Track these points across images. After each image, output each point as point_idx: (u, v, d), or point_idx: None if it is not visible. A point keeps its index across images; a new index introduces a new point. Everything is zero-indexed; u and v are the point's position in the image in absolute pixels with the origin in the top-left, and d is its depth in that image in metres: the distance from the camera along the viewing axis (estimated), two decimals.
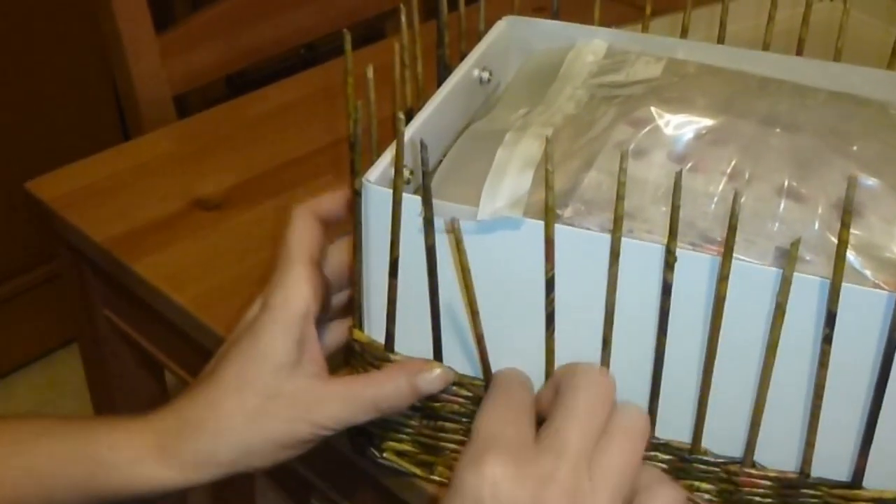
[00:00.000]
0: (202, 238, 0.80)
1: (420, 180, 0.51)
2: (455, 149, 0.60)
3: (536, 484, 0.45)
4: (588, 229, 0.54)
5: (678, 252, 0.48)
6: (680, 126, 0.60)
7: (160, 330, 0.80)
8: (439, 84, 0.64)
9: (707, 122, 0.60)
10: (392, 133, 0.51)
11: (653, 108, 0.58)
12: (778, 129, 0.61)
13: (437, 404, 0.58)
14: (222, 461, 0.52)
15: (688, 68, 0.66)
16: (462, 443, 0.59)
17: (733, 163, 0.58)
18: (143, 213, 0.83)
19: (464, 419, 0.58)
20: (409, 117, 0.62)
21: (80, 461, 0.52)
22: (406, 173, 0.58)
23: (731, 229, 0.46)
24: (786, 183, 0.57)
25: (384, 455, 0.61)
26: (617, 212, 0.48)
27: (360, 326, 0.58)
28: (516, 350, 0.54)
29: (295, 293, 0.53)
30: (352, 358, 0.60)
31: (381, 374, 0.55)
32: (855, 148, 0.59)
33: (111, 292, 0.86)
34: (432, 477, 0.61)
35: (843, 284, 0.46)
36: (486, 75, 0.67)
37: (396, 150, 0.51)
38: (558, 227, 0.50)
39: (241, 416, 0.52)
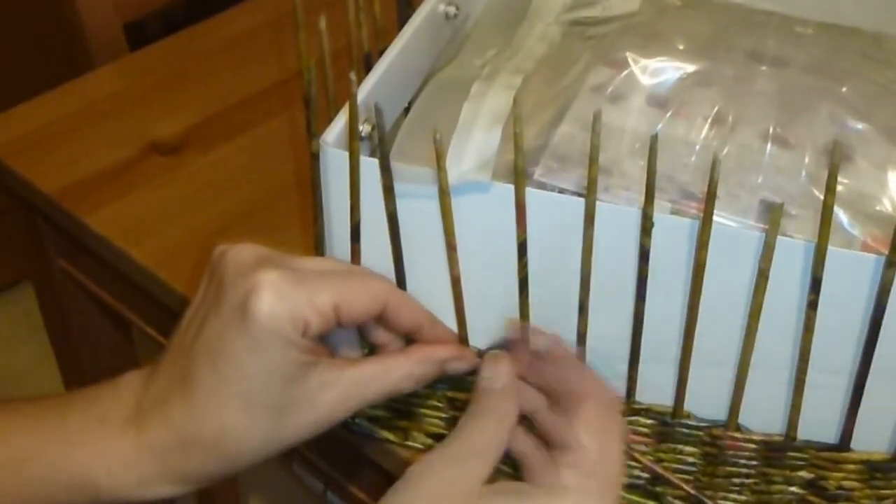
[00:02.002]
0: (159, 186, 0.79)
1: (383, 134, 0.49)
2: (421, 100, 0.58)
3: None
4: (562, 189, 0.53)
5: (656, 217, 0.47)
6: (659, 68, 0.59)
7: (121, 283, 0.79)
8: (401, 22, 0.62)
9: (689, 62, 0.59)
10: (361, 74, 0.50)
11: (628, 54, 0.57)
12: (764, 67, 0.60)
13: None
14: (232, 474, 0.51)
15: (668, 0, 0.64)
16: (436, 408, 0.59)
17: (716, 107, 0.57)
18: (95, 160, 0.81)
19: (437, 384, 0.58)
20: (369, 64, 0.60)
21: (72, 489, 0.49)
22: (367, 129, 0.57)
23: (711, 196, 0.45)
24: (771, 129, 0.56)
25: (356, 420, 0.61)
26: (591, 174, 0.47)
27: None
28: (492, 317, 0.53)
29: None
30: None
31: (403, 358, 0.51)
32: (844, 90, 0.58)
33: (66, 243, 0.85)
34: (407, 443, 0.61)
35: (830, 248, 0.46)
36: (452, 10, 0.65)
37: (350, 112, 0.50)
38: (530, 192, 0.49)
39: (256, 437, 0.48)
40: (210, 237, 0.74)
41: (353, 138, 0.51)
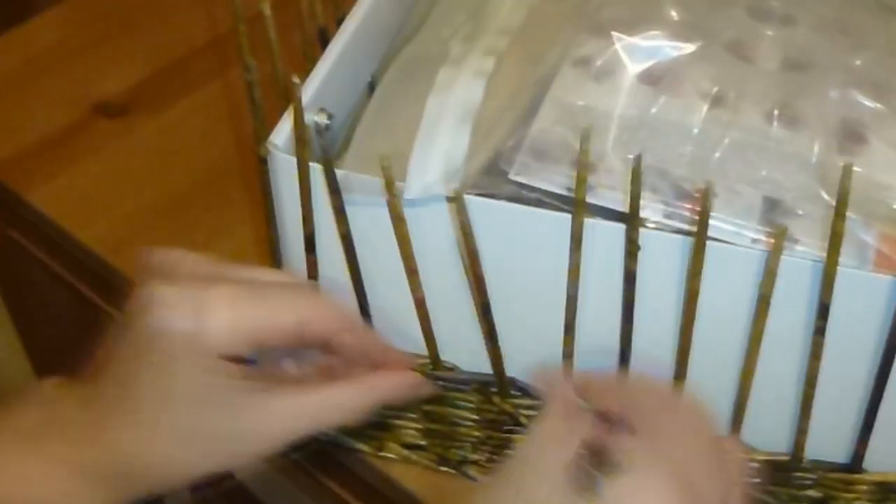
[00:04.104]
0: (106, 156, 0.75)
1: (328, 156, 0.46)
2: (383, 85, 0.54)
3: None
4: (539, 192, 0.50)
5: (643, 234, 0.44)
6: (651, 38, 0.54)
7: (73, 260, 0.76)
8: None
9: (685, 29, 0.55)
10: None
11: (614, 32, 0.52)
12: (770, 32, 0.56)
13: None
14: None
15: None
16: (411, 419, 0.57)
17: (716, 85, 0.53)
18: (36, 126, 0.77)
19: None
20: (325, 39, 0.56)
21: None
22: (324, 119, 0.53)
23: (702, 224, 0.41)
24: (776, 110, 0.52)
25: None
26: (578, 195, 0.43)
27: None
28: (462, 334, 0.51)
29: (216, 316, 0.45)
30: None
31: (351, 388, 0.48)
32: (857, 61, 0.54)
33: (12, 214, 0.82)
34: (381, 453, 0.59)
35: (840, 269, 0.42)
36: None
37: (295, 118, 0.46)
38: (501, 206, 0.46)
39: (193, 458, 0.47)
40: (164, 215, 0.72)
41: (300, 145, 0.47)
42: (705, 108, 0.53)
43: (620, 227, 0.44)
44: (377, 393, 0.48)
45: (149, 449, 0.47)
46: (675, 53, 0.54)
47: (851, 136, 0.52)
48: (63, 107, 0.78)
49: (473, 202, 0.46)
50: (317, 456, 0.61)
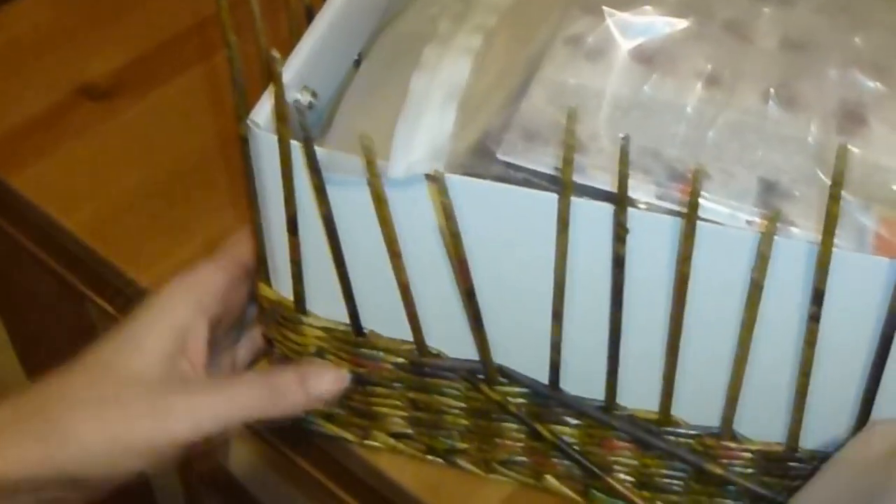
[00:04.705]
0: (91, 139, 0.74)
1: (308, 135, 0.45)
2: (368, 62, 0.53)
3: None
4: (527, 172, 0.49)
5: (632, 214, 0.43)
6: (645, 13, 0.53)
7: (55, 244, 0.75)
8: None
9: (680, 7, 0.54)
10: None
11: (605, 7, 0.51)
12: (768, 11, 0.55)
13: (364, 370, 0.54)
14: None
15: None
16: (397, 407, 0.56)
17: (711, 63, 0.52)
18: (20, 108, 0.76)
19: (395, 384, 0.55)
20: (312, 18, 0.55)
21: None
22: (307, 96, 0.52)
23: (693, 206, 0.40)
24: (773, 89, 0.51)
25: (309, 418, 0.58)
26: (564, 176, 0.42)
27: (268, 282, 0.54)
28: (451, 319, 0.50)
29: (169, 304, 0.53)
30: (262, 317, 0.56)
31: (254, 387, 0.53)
32: (857, 40, 0.52)
33: None
34: (366, 442, 0.58)
35: (835, 251, 0.41)
36: None
37: (276, 94, 0.45)
38: (485, 185, 0.45)
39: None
40: (148, 199, 0.71)
41: (280, 122, 0.46)
42: (699, 87, 0.52)
43: (609, 209, 0.43)
44: (281, 395, 0.52)
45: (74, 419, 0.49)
46: (668, 30, 0.53)
47: (851, 117, 0.51)
48: (47, 89, 0.78)
49: (456, 182, 0.45)
50: (305, 447, 0.60)
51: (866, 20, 0.54)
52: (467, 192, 0.44)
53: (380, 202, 0.45)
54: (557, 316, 0.47)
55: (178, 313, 0.53)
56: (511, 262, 0.47)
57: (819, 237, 0.42)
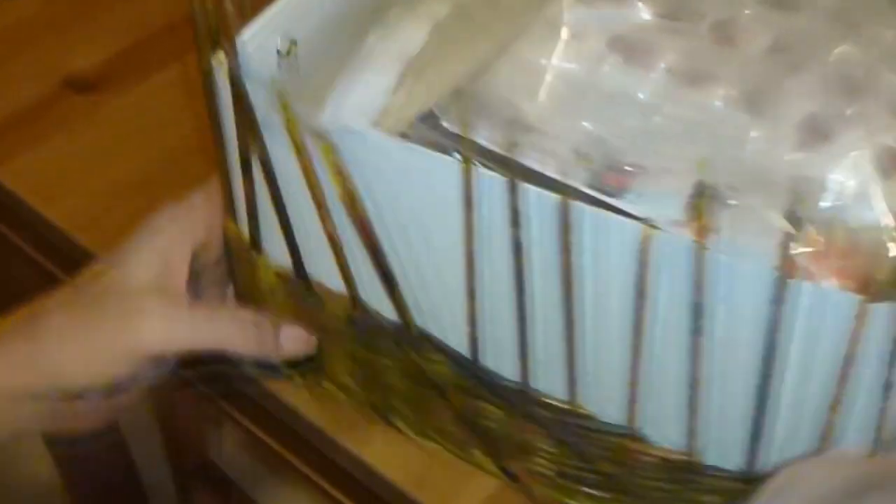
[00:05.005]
0: (75, 132, 0.74)
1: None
2: (339, 16, 0.54)
3: None
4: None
5: (531, 197, 0.43)
6: (631, 5, 0.53)
7: (40, 237, 0.73)
8: None
9: (670, 4, 0.53)
10: None
11: None
12: (758, 13, 0.53)
13: (308, 317, 0.56)
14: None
15: None
16: (342, 359, 0.57)
17: (683, 64, 0.51)
18: (5, 100, 0.76)
19: (338, 336, 0.56)
20: None
21: None
22: (286, 45, 0.54)
23: (565, 188, 0.40)
24: (736, 94, 0.50)
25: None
26: (464, 149, 0.43)
27: (234, 218, 0.56)
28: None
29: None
30: (227, 251, 0.58)
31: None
32: (845, 51, 0.51)
33: None
34: (315, 389, 0.60)
35: (714, 259, 0.40)
36: None
37: (227, 35, 0.47)
38: (398, 146, 0.46)
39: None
40: (132, 192, 0.71)
41: (232, 62, 0.48)
42: (664, 82, 0.51)
43: (503, 182, 0.43)
44: (256, 335, 0.53)
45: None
46: (652, 26, 0.53)
47: (814, 131, 0.49)
48: (32, 82, 0.77)
49: (383, 139, 0.46)
50: (293, 442, 0.62)
51: (861, 32, 0.52)
52: (379, 150, 0.45)
53: (298, 150, 0.46)
54: (471, 289, 0.48)
55: (162, 236, 0.56)
56: (422, 226, 0.47)
57: (745, 247, 0.42)
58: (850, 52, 0.51)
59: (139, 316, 0.52)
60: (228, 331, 0.54)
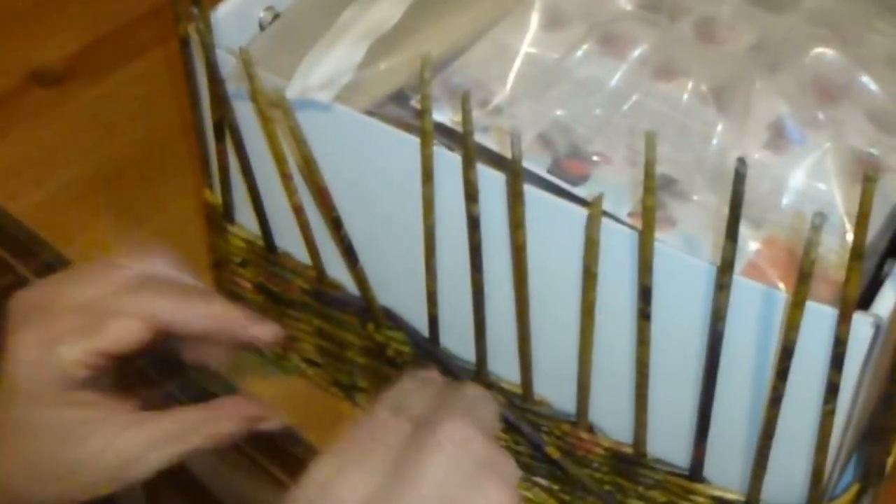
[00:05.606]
0: (40, 126, 0.74)
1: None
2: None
3: None
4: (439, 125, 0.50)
5: (486, 178, 0.43)
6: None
7: (6, 235, 0.70)
8: None
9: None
10: None
11: None
12: (745, 12, 0.53)
13: (276, 289, 0.57)
14: None
15: None
16: (308, 332, 0.58)
17: (659, 57, 0.52)
18: None
19: (303, 309, 0.57)
20: None
21: None
22: (269, 16, 0.55)
23: (516, 171, 0.40)
24: (710, 92, 0.50)
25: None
26: (424, 126, 0.43)
27: (210, 186, 0.57)
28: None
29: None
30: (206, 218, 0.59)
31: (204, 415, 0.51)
32: (826, 54, 0.51)
33: None
34: (282, 362, 0.60)
35: (657, 248, 0.41)
36: None
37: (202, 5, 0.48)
38: (358, 119, 0.46)
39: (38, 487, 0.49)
40: (100, 187, 0.70)
41: (206, 30, 0.48)
42: (636, 72, 0.51)
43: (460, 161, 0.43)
44: (211, 427, 0.50)
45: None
46: (631, 15, 0.53)
47: (783, 133, 0.49)
48: None
49: (346, 113, 0.46)
50: (266, 445, 0.61)
51: (844, 35, 0.52)
52: (339, 123, 0.46)
53: (264, 119, 0.47)
54: (430, 267, 0.48)
55: None
56: (381, 201, 0.48)
57: (702, 239, 0.42)
58: (830, 55, 0.51)
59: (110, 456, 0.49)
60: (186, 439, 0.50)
